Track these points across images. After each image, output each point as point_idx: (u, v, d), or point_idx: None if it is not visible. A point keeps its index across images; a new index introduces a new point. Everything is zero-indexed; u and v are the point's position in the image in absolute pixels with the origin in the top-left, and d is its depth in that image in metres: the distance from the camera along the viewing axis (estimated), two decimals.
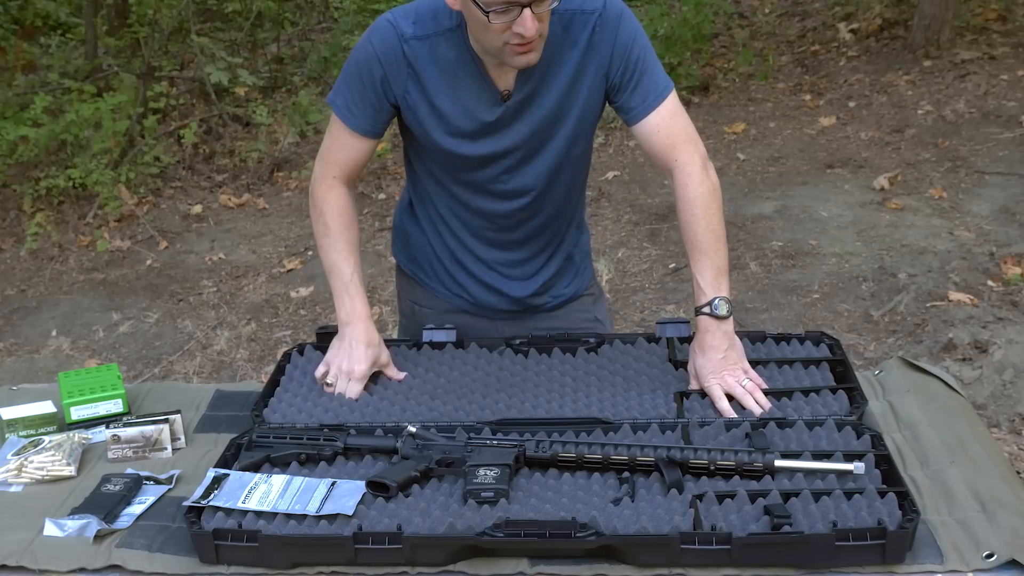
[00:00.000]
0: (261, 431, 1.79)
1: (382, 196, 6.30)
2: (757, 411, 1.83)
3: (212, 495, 1.60)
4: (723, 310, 1.88)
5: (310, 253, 5.66)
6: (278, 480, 1.65)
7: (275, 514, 1.57)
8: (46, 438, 1.87)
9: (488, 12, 1.71)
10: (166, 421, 1.86)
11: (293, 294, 5.17)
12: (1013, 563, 1.42)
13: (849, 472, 1.60)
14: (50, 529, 1.61)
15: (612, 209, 5.84)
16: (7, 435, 1.91)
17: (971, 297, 4.44)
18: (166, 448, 1.85)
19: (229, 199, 6.42)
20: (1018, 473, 2.80)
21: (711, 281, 1.89)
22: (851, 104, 7.20)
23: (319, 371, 2.00)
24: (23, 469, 1.78)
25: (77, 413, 1.96)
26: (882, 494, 1.53)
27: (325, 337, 2.12)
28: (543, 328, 2.19)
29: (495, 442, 1.68)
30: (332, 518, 1.55)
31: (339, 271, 2.00)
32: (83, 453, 1.85)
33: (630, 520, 1.51)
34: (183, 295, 5.29)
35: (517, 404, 1.90)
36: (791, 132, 6.91)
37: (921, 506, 1.54)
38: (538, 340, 2.13)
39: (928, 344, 4.11)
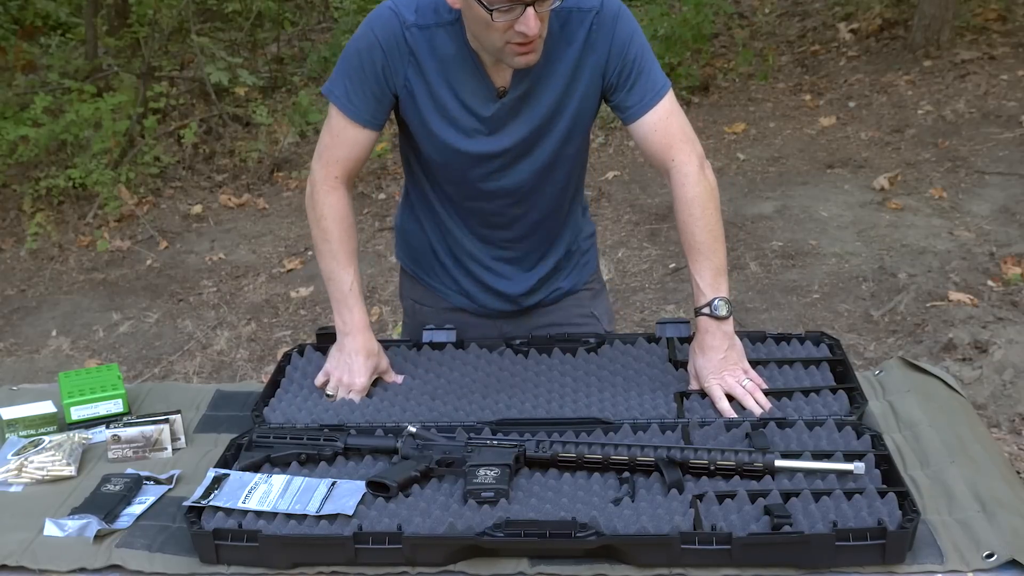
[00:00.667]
0: (261, 431, 1.79)
1: (382, 196, 6.30)
2: (757, 411, 1.83)
3: (212, 495, 1.60)
4: (723, 311, 1.88)
5: (310, 253, 5.66)
6: (278, 480, 1.65)
7: (275, 514, 1.57)
8: (46, 438, 1.87)
9: (492, 10, 1.71)
10: (166, 421, 1.86)
11: (293, 294, 5.17)
12: (1013, 563, 1.42)
13: (849, 472, 1.60)
14: (50, 529, 1.61)
15: (612, 209, 5.84)
16: (7, 435, 1.91)
17: (971, 297, 4.44)
18: (166, 448, 1.85)
19: (229, 199, 6.42)
20: (1018, 473, 2.79)
21: (710, 282, 1.89)
22: (851, 104, 7.20)
23: (319, 380, 1.99)
24: (23, 469, 1.78)
25: (77, 413, 1.96)
26: (882, 494, 1.53)
27: (325, 338, 2.12)
28: (540, 324, 2.19)
29: (495, 442, 1.68)
30: (332, 518, 1.55)
31: (338, 280, 1.99)
32: (83, 453, 1.85)
33: (630, 520, 1.51)
34: (183, 295, 5.30)
35: (517, 404, 1.90)
36: (791, 132, 6.91)
37: (921, 506, 1.54)
38: (538, 340, 2.13)
39: (928, 344, 4.11)
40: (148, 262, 5.69)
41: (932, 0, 7.59)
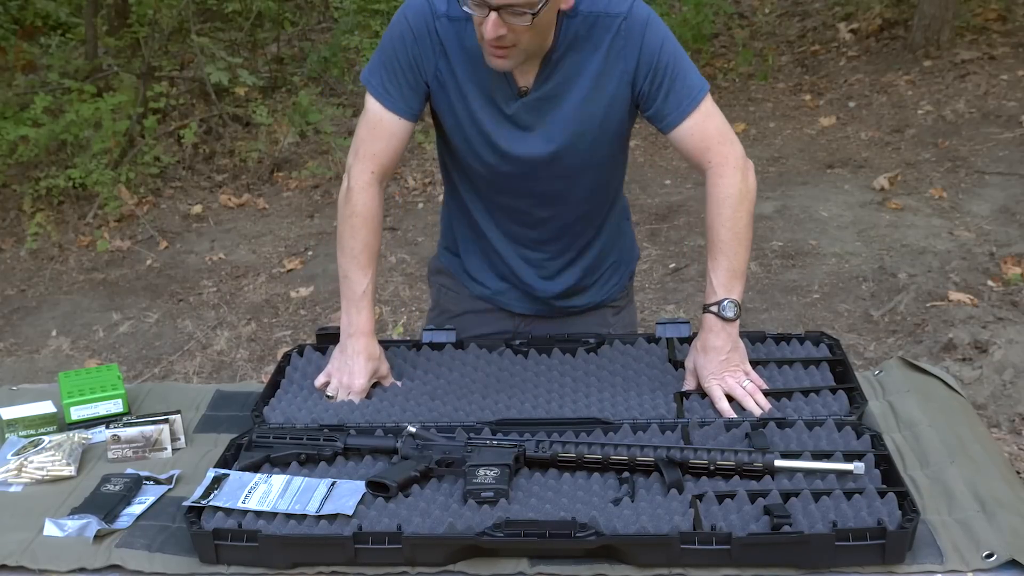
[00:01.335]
0: (261, 431, 1.79)
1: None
2: (757, 412, 1.82)
3: (212, 495, 1.60)
4: (730, 312, 1.88)
5: (310, 253, 5.66)
6: (278, 480, 1.65)
7: (275, 514, 1.57)
8: (46, 438, 1.87)
9: (463, 4, 1.72)
10: (166, 421, 1.86)
11: (293, 294, 5.17)
12: (1013, 563, 1.42)
13: (849, 472, 1.60)
14: (50, 529, 1.61)
15: None
16: (7, 435, 1.91)
17: (971, 297, 4.44)
18: (166, 448, 1.85)
19: (229, 199, 6.42)
20: (1018, 473, 2.79)
21: (724, 282, 1.89)
22: (851, 104, 7.20)
23: (319, 380, 1.99)
24: (23, 469, 1.78)
25: (77, 413, 1.96)
26: (882, 494, 1.53)
27: (325, 338, 2.12)
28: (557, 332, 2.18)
29: (495, 442, 1.68)
30: (332, 518, 1.55)
31: (353, 281, 1.97)
32: (83, 453, 1.85)
33: (630, 520, 1.52)
34: (183, 295, 5.30)
35: (517, 404, 1.90)
36: (791, 132, 6.91)
37: (921, 506, 1.54)
38: (538, 340, 2.13)
39: (928, 344, 4.11)
40: (148, 262, 5.69)
41: (932, 0, 7.59)
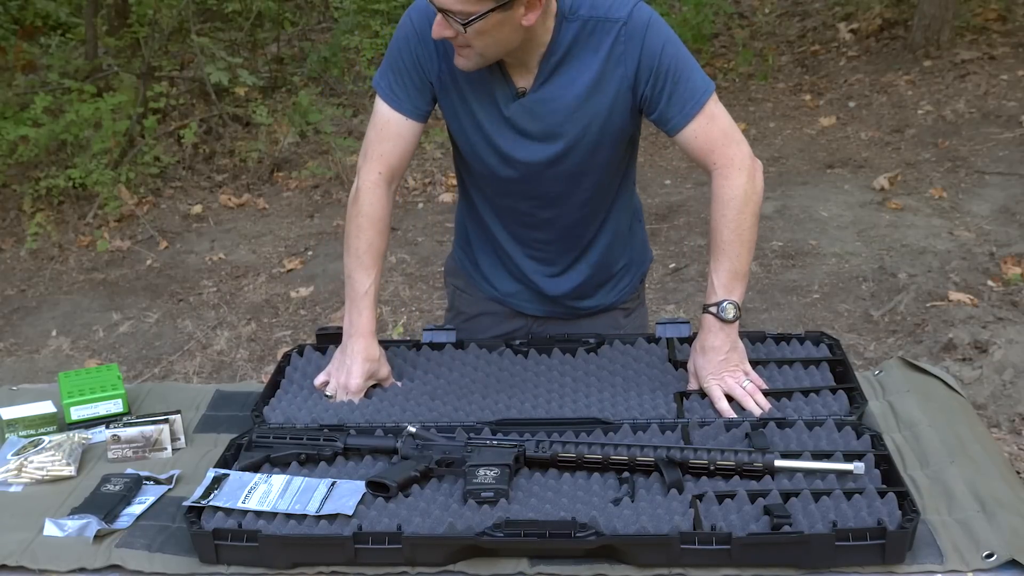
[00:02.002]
0: (261, 431, 1.79)
1: None
2: (757, 412, 1.82)
3: (212, 495, 1.60)
4: (729, 314, 1.87)
5: (310, 253, 5.66)
6: (278, 480, 1.65)
7: (275, 514, 1.57)
8: (46, 438, 1.87)
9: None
10: (166, 421, 1.86)
11: (293, 294, 5.17)
12: (1013, 563, 1.42)
13: (849, 472, 1.60)
14: (50, 529, 1.61)
15: None
16: (7, 435, 1.91)
17: (971, 297, 4.44)
18: (166, 448, 1.85)
19: (229, 199, 6.42)
20: (1018, 473, 2.79)
21: (724, 282, 1.88)
22: (851, 104, 7.20)
23: (319, 379, 2.00)
24: (23, 469, 1.78)
25: (77, 413, 1.96)
26: (882, 494, 1.53)
27: (325, 338, 2.12)
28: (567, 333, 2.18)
29: (495, 442, 1.68)
30: (332, 518, 1.55)
31: (356, 281, 1.98)
32: (83, 453, 1.85)
33: (630, 520, 1.51)
34: (183, 295, 5.30)
35: (517, 404, 1.90)
36: (791, 132, 6.92)
37: (921, 506, 1.54)
38: (538, 340, 2.13)
39: (928, 344, 4.11)
40: (148, 262, 5.69)
41: (932, 0, 7.59)
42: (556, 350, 2.09)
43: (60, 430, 1.93)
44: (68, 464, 1.78)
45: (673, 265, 5.08)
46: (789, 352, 2.06)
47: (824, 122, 6.92)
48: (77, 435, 1.88)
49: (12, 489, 1.76)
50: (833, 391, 1.88)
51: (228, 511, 1.57)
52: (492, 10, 1.71)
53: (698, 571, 1.45)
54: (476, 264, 2.22)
